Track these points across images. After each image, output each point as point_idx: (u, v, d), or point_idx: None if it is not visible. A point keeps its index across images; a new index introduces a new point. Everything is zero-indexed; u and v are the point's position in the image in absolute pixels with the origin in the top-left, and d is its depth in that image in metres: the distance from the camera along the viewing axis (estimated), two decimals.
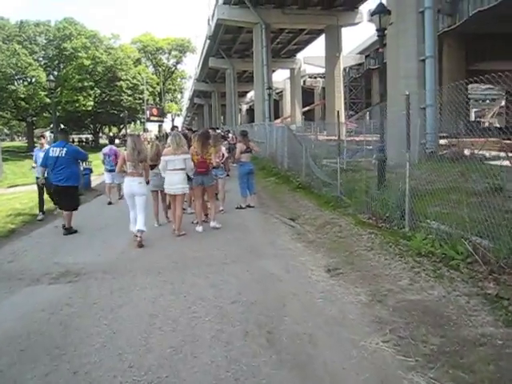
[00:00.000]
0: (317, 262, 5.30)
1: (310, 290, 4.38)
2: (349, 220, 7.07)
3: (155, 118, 42.53)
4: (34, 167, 9.21)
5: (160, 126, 45.91)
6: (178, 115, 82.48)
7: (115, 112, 48.81)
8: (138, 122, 60.96)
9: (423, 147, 9.96)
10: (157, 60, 58.21)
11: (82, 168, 11.01)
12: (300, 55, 42.23)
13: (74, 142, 67.97)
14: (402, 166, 6.12)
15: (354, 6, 27.76)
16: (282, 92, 54.56)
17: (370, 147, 14.90)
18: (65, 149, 7.27)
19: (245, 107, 72.29)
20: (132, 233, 6.66)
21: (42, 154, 7.97)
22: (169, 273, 5.09)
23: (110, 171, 10.56)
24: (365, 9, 28.06)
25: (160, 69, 57.78)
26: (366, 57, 40.66)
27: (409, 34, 11.52)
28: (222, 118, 56.46)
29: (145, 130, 66.23)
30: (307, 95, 49.99)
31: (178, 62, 61.06)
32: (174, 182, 6.96)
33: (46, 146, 8.51)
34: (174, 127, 16.61)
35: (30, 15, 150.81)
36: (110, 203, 10.29)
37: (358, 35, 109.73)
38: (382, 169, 7.65)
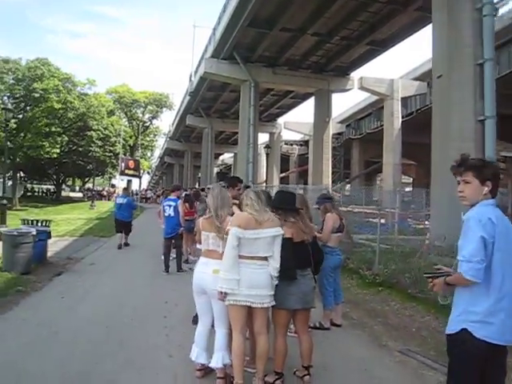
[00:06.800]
0: None
1: None
2: None
3: (130, 172, 35.80)
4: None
5: (129, 182, 42.37)
6: (149, 173, 79.48)
7: (82, 163, 45.53)
8: (106, 175, 57.60)
9: None
10: (132, 113, 56.17)
11: (34, 233, 8.56)
12: (280, 120, 41.42)
13: (28, 191, 59.63)
14: None
15: (346, 72, 27.36)
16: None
17: (382, 221, 12.65)
18: (125, 199, 12.80)
19: (215, 170, 70.62)
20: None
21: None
22: None
23: None
24: (356, 75, 27.41)
25: (134, 122, 55.61)
26: (347, 126, 40.34)
27: (465, 88, 9.71)
28: (192, 179, 54.36)
29: (112, 186, 61.79)
30: (282, 161, 49.21)
31: (153, 117, 59.37)
32: (262, 282, 3.66)
33: None
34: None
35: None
36: None
37: (337, 104, 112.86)
38: None
